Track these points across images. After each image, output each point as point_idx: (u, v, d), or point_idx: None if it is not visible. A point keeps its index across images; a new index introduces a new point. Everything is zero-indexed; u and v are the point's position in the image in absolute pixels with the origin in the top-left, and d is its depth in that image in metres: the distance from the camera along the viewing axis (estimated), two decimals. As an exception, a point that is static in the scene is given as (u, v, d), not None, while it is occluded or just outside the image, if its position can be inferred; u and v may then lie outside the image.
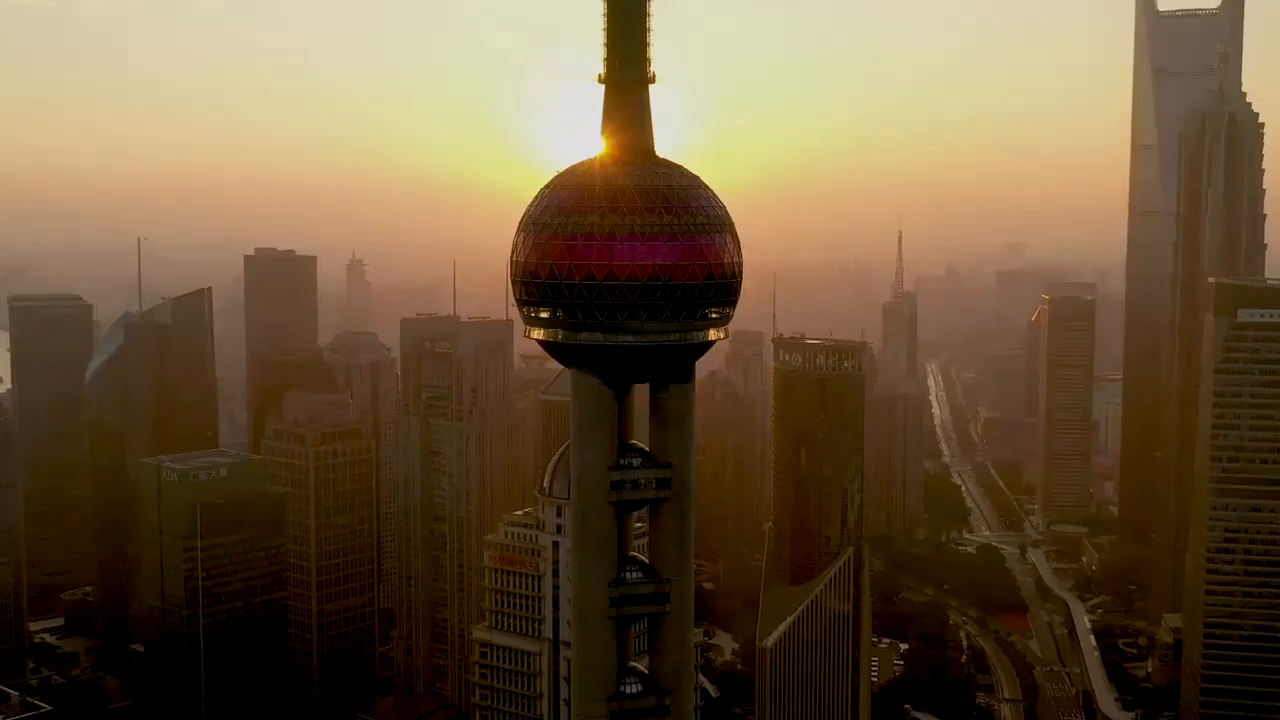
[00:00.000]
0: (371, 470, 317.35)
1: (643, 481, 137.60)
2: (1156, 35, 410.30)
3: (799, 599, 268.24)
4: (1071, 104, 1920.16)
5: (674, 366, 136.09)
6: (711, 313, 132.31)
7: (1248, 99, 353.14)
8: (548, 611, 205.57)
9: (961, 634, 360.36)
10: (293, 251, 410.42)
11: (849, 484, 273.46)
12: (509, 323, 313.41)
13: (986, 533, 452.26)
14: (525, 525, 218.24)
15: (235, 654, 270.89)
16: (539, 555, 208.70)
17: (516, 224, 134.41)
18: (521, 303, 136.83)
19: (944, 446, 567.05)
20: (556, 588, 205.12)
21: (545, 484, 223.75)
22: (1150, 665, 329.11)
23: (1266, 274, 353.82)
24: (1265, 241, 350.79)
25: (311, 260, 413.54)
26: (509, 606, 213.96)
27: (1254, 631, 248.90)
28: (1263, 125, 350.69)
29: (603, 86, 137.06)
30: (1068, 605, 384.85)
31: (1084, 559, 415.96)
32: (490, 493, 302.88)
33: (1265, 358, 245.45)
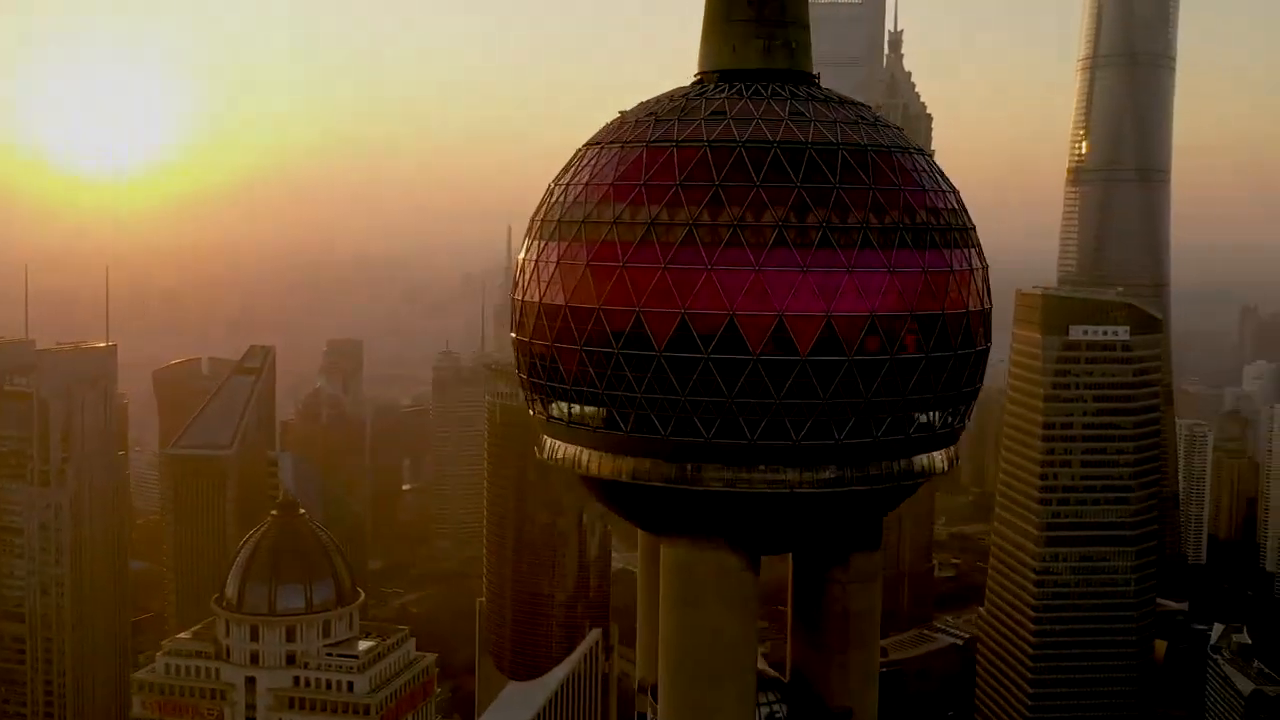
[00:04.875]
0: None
1: (796, 748, 67.62)
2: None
3: (529, 701, 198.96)
4: None
5: (861, 522, 65.71)
6: (948, 415, 62.83)
7: (917, 90, 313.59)
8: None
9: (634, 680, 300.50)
10: None
11: (592, 542, 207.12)
12: (111, 348, 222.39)
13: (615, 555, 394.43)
14: (198, 654, 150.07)
15: None
16: (223, 699, 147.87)
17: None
18: (534, 386, 62.37)
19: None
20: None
21: (230, 594, 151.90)
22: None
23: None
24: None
25: None
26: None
27: (1085, 701, 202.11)
28: (931, 118, 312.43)
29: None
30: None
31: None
32: (91, 582, 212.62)
33: (1100, 382, 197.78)
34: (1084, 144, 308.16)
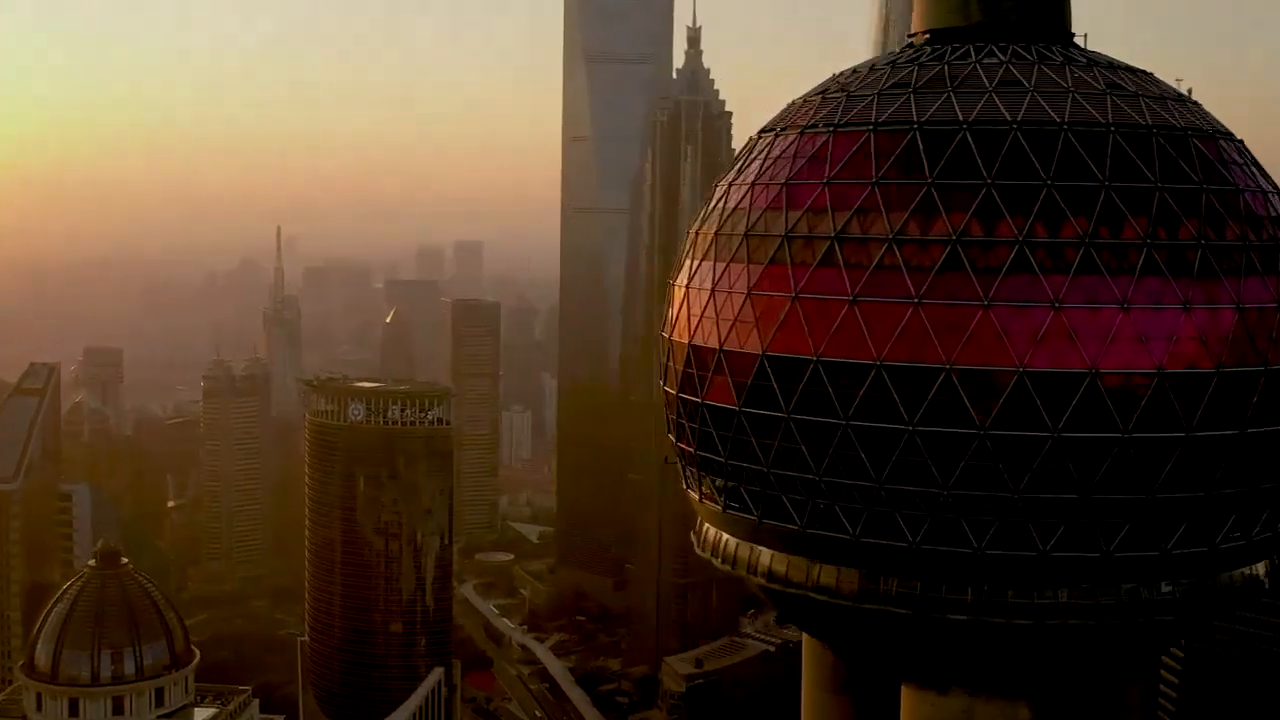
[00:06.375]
0: None
1: None
2: (589, 18, 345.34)
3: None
4: (502, 95, 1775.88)
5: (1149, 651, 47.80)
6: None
7: (716, 86, 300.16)
8: None
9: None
10: None
11: (431, 573, 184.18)
12: None
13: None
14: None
15: None
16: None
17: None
18: (709, 465, 41.13)
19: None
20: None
21: (41, 660, 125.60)
22: (661, 717, 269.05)
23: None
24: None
25: None
26: None
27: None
28: (731, 115, 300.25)
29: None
30: (526, 650, 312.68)
31: (525, 592, 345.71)
32: None
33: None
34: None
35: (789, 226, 41.43)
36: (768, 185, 43.12)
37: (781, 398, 40.65)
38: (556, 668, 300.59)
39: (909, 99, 42.48)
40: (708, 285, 42.99)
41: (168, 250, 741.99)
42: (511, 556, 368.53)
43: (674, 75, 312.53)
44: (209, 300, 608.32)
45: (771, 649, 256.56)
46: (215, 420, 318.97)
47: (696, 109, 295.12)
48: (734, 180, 44.94)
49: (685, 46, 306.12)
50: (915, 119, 41.59)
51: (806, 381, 40.10)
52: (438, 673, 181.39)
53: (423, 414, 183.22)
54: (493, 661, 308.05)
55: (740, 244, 42.42)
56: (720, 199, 45.00)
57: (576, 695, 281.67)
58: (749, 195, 43.31)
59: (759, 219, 42.54)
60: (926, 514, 39.98)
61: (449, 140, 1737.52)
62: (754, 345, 41.24)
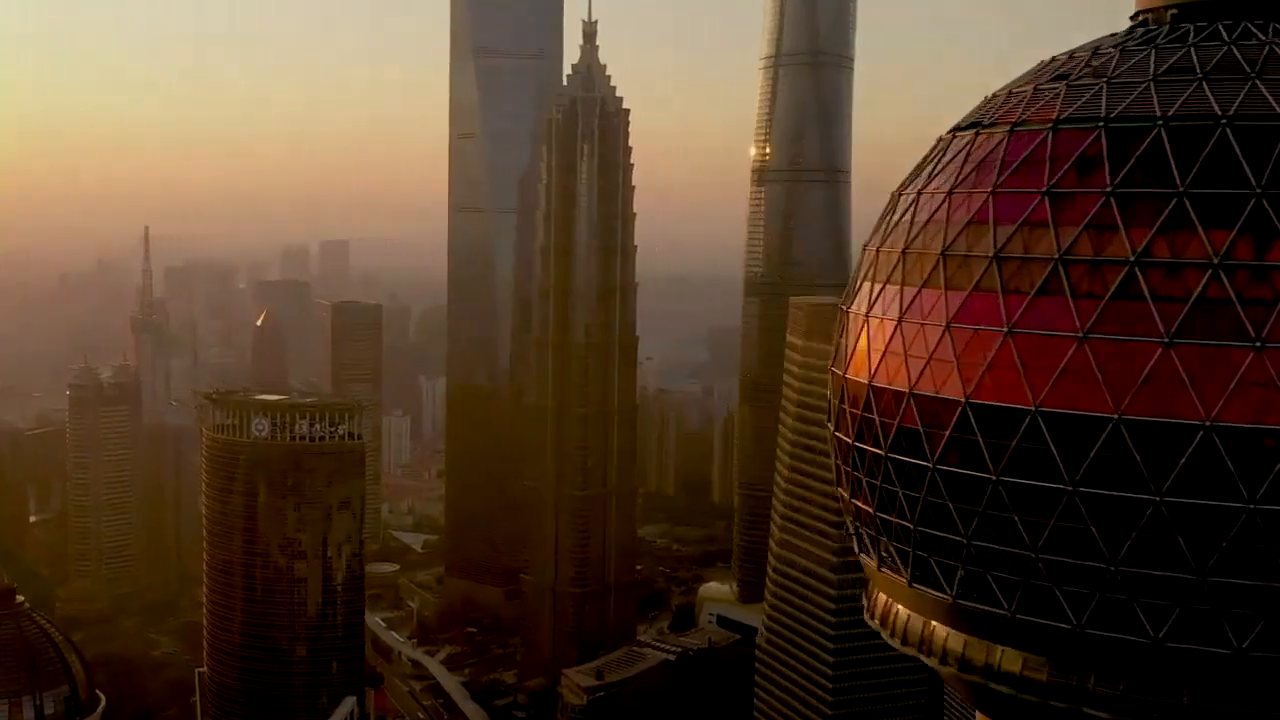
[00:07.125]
0: None
1: None
2: (478, 11, 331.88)
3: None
4: (389, 89, 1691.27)
5: None
6: None
7: (612, 83, 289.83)
8: None
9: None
10: None
11: (344, 595, 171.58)
12: None
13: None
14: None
15: None
16: None
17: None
18: (912, 538, 31.77)
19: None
20: None
21: None
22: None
23: (638, 278, 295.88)
24: (635, 243, 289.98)
25: None
26: None
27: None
28: (628, 112, 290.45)
29: None
30: (417, 664, 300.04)
31: (412, 603, 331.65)
32: None
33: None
34: (767, 145, 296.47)
35: (1061, 248, 32.31)
36: (1015, 195, 33.84)
37: (1063, 465, 31.49)
38: (450, 683, 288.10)
39: (1200, 86, 33.71)
40: (939, 319, 33.39)
41: (12, 250, 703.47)
42: (397, 567, 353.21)
43: (567, 71, 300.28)
44: (61, 303, 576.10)
45: (672, 658, 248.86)
46: (83, 430, 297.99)
47: (593, 106, 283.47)
48: (952, 188, 35.38)
49: (580, 41, 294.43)
50: (1218, 112, 32.86)
51: (1101, 446, 31.06)
52: (349, 702, 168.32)
53: (332, 429, 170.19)
54: (383, 678, 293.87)
55: (987, 269, 33.07)
56: (936, 210, 35.41)
57: (472, 710, 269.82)
58: (987, 207, 33.94)
59: (1014, 238, 33.29)
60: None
61: (317, 138, 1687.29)
62: (1019, 398, 32.02)
